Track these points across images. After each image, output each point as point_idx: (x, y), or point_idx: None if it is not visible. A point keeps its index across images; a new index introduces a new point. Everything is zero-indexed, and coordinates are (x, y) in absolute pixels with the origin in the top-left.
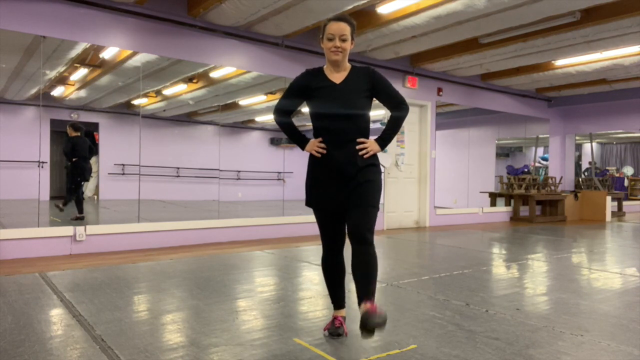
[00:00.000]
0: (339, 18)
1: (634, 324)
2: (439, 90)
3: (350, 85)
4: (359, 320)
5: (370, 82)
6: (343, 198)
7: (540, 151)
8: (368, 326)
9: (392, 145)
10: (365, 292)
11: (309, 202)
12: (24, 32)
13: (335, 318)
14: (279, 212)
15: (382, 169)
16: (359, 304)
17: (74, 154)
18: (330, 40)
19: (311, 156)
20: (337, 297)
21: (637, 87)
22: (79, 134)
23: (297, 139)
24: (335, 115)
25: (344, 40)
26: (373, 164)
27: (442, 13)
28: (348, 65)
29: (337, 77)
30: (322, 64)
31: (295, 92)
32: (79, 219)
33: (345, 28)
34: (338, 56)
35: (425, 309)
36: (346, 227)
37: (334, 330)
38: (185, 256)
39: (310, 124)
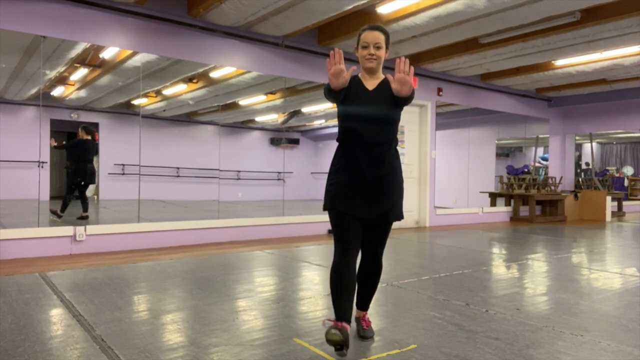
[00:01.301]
0: (373, 27)
1: (634, 324)
2: (439, 90)
3: (382, 92)
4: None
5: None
6: (367, 213)
7: (540, 151)
8: (363, 337)
9: None
10: (365, 305)
11: (332, 206)
12: (24, 32)
13: (334, 322)
14: (279, 212)
15: None
16: (357, 307)
17: (85, 156)
18: (364, 48)
19: (335, 161)
20: (342, 309)
21: (637, 87)
22: (89, 137)
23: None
24: (366, 119)
25: (378, 48)
26: (398, 174)
27: (442, 13)
28: (382, 75)
29: (371, 84)
30: (322, 65)
31: None
32: (58, 216)
33: (379, 36)
34: (372, 63)
35: (425, 309)
36: (364, 236)
37: (331, 333)
38: (185, 256)
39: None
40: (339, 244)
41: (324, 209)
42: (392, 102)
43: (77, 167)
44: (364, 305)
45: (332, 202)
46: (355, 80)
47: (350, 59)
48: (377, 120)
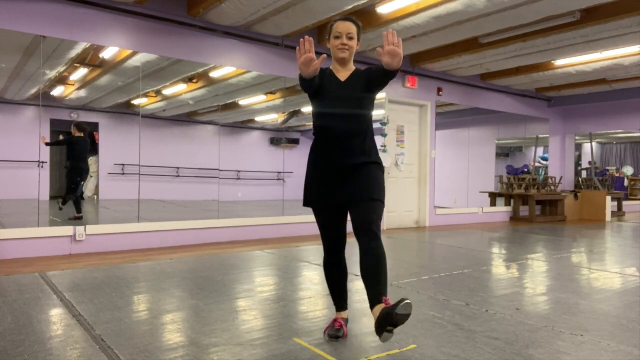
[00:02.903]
0: (346, 18)
1: (634, 324)
2: (439, 90)
3: (354, 82)
4: (368, 322)
5: (367, 75)
6: (343, 196)
7: (540, 151)
8: (396, 323)
9: (392, 146)
10: (378, 294)
11: (307, 202)
12: (24, 32)
13: (335, 320)
14: (279, 212)
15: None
16: (372, 306)
17: (74, 154)
18: (337, 38)
19: (311, 155)
20: (339, 299)
21: (637, 87)
22: (82, 134)
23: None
24: (340, 112)
25: (350, 39)
26: (375, 161)
27: (442, 13)
28: (353, 67)
29: (343, 75)
30: (323, 65)
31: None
32: (78, 219)
33: (351, 27)
34: (345, 54)
35: (425, 309)
36: (352, 224)
37: (334, 333)
38: (185, 256)
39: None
40: (323, 241)
41: (305, 205)
42: (366, 92)
43: (73, 166)
44: (379, 297)
45: (309, 201)
46: (327, 73)
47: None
48: (350, 112)
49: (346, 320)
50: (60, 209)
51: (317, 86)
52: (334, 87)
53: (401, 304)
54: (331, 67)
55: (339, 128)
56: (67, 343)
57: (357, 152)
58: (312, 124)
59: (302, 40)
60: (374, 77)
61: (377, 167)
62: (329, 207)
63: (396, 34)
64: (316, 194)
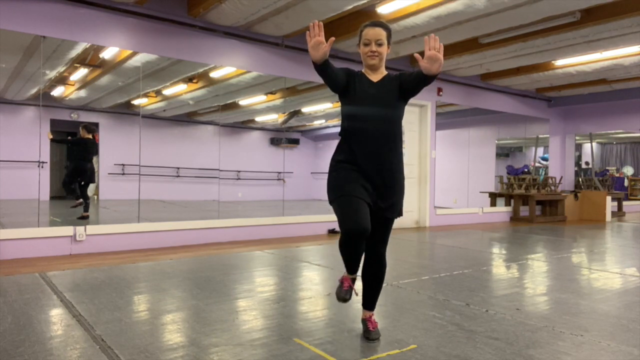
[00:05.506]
0: (375, 23)
1: (634, 324)
2: (439, 90)
3: (386, 84)
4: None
5: (399, 80)
6: (374, 200)
7: (540, 151)
8: (369, 338)
9: None
10: (371, 304)
11: (341, 193)
12: (24, 32)
13: (344, 280)
14: (279, 212)
15: None
16: (363, 307)
17: (84, 155)
18: (366, 45)
19: (338, 153)
20: (353, 265)
21: (637, 87)
22: (90, 136)
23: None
24: (370, 116)
25: (380, 45)
26: (401, 172)
27: (442, 13)
28: (385, 71)
29: (375, 78)
30: None
31: (343, 71)
32: (84, 218)
33: (381, 33)
34: (375, 60)
35: (425, 309)
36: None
37: (342, 295)
38: (185, 256)
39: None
40: (345, 224)
41: (331, 201)
42: (397, 96)
43: (76, 166)
44: (370, 306)
45: (341, 189)
46: (358, 75)
47: (350, 59)
48: (381, 113)
49: (354, 280)
50: (77, 205)
51: (338, 78)
52: (365, 87)
53: (373, 334)
54: (362, 71)
55: (369, 130)
56: (67, 343)
57: (389, 159)
58: (312, 124)
59: (311, 24)
60: (408, 81)
61: (402, 177)
62: (364, 198)
63: (438, 38)
64: (350, 188)
